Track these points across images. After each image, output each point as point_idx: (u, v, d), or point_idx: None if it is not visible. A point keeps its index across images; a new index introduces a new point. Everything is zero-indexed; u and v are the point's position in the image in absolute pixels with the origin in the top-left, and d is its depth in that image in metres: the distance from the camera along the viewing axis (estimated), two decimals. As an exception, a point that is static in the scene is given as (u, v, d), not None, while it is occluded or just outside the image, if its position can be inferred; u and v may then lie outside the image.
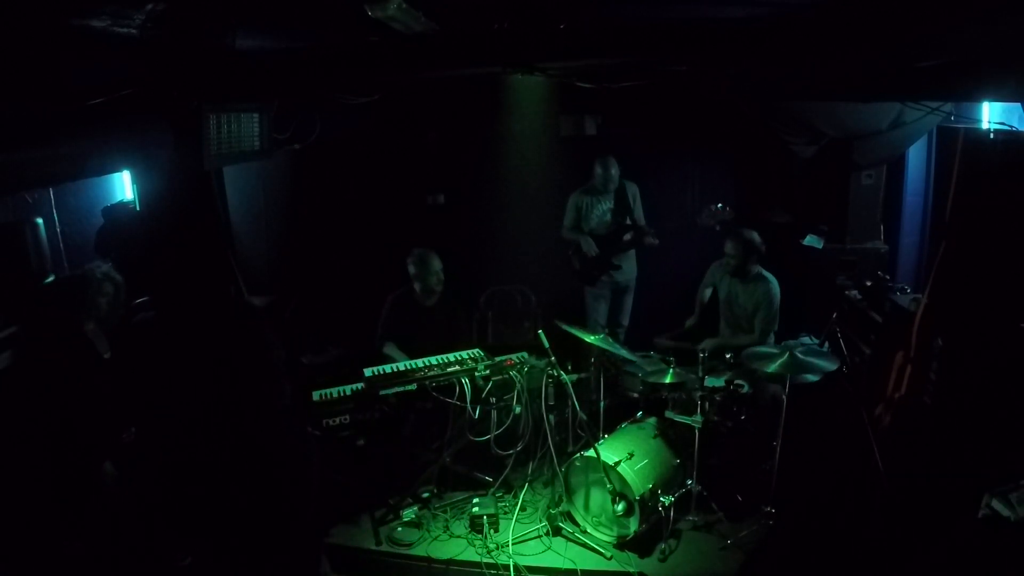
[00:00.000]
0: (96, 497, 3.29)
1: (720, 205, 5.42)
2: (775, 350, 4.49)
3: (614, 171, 5.93)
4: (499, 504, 4.58)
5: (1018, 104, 3.80)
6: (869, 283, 5.03)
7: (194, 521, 3.62)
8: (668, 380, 4.54)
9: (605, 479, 4.19)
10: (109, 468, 3.42)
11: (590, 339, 4.69)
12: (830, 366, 4.25)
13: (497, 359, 4.69)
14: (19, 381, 3.20)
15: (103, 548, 3.28)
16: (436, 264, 5.22)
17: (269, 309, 5.54)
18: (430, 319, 5.30)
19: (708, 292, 5.64)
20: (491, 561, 4.15)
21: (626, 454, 4.24)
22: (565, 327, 4.78)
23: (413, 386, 4.47)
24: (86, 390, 3.29)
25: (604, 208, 6.07)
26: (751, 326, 5.25)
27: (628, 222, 6.04)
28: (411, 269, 5.23)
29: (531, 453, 4.75)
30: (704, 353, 4.46)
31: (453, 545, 4.34)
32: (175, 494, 3.60)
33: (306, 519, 2.94)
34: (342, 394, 4.51)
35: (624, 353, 4.89)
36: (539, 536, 4.39)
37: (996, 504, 2.78)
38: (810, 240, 5.76)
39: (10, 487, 2.96)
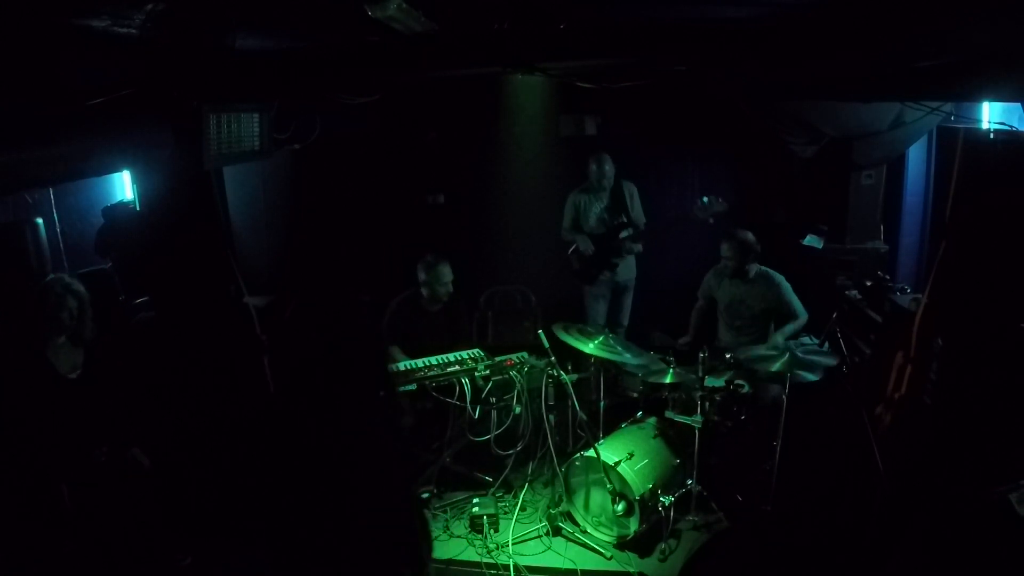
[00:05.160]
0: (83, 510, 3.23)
1: (713, 197, 5.40)
2: (775, 350, 4.49)
3: (608, 167, 5.92)
4: (499, 504, 4.58)
5: (1018, 104, 3.80)
6: (869, 283, 5.02)
7: (196, 516, 3.61)
8: (668, 380, 4.54)
9: (605, 479, 4.19)
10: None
11: (588, 349, 4.64)
12: (830, 363, 4.26)
13: (497, 359, 4.69)
14: None
15: (102, 549, 3.28)
16: (447, 275, 5.11)
17: (269, 309, 5.53)
18: (433, 323, 5.26)
19: (703, 305, 5.62)
20: (491, 561, 4.15)
21: (626, 454, 4.24)
22: (563, 337, 4.69)
23: (413, 386, 4.48)
24: (42, 415, 3.18)
25: (601, 207, 6.06)
26: (764, 325, 5.23)
27: (624, 220, 6.04)
28: (421, 275, 5.12)
29: (531, 453, 4.75)
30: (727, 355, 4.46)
31: (453, 545, 4.34)
32: (181, 490, 3.58)
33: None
34: (342, 394, 4.51)
35: (627, 358, 4.82)
36: (539, 536, 4.39)
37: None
38: (810, 240, 5.76)
39: None
